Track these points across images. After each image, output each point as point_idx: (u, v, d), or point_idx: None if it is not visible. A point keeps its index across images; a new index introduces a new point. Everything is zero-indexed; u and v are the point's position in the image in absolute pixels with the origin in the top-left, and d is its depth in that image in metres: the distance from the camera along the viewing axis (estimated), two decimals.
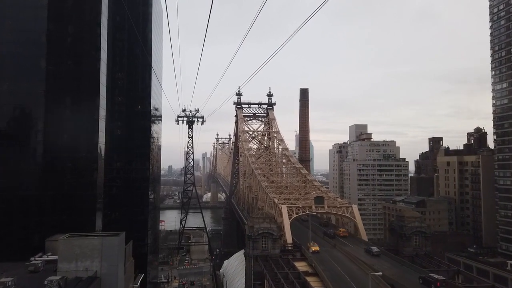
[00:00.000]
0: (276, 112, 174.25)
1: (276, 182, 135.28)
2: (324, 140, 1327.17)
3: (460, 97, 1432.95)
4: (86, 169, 77.31)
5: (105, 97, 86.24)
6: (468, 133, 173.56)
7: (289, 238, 78.91)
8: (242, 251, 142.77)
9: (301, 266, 65.80)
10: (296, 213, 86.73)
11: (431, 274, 56.93)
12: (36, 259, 57.14)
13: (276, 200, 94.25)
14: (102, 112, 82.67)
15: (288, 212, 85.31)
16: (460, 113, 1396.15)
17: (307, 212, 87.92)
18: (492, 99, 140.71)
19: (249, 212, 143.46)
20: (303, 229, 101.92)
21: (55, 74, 76.71)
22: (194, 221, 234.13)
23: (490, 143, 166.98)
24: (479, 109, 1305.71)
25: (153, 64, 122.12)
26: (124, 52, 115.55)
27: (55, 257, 53.57)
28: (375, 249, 71.34)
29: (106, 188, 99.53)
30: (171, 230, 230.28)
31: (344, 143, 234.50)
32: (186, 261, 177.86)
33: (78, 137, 77.59)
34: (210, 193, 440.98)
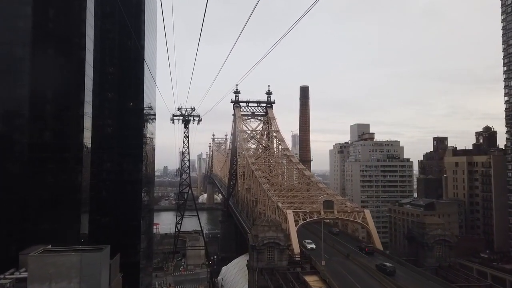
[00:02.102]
0: (274, 112, 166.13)
1: (277, 183, 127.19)
2: (321, 141, 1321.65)
3: (457, 97, 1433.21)
4: (70, 171, 68.88)
5: (92, 91, 78.19)
6: (476, 132, 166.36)
7: (296, 247, 70.82)
8: (242, 257, 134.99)
9: (312, 281, 57.83)
10: (303, 219, 78.45)
11: (364, 244, 78.13)
12: (6, 276, 48.81)
13: (280, 204, 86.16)
14: (88, 108, 74.46)
15: (294, 218, 77.20)
16: (457, 113, 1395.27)
17: (316, 218, 79.77)
18: (505, 96, 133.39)
19: (248, 215, 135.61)
20: (308, 235, 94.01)
21: (34, 64, 68.19)
22: (190, 223, 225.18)
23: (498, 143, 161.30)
24: (477, 109, 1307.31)
25: (146, 58, 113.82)
26: (114, 45, 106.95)
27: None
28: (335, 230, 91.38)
29: (94, 192, 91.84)
30: (166, 234, 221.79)
31: (345, 143, 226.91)
32: (182, 266, 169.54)
33: (61, 135, 69.20)
34: (206, 194, 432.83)
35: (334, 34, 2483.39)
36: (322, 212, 79.69)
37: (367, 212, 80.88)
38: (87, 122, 74.54)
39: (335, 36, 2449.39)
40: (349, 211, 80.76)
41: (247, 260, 68.03)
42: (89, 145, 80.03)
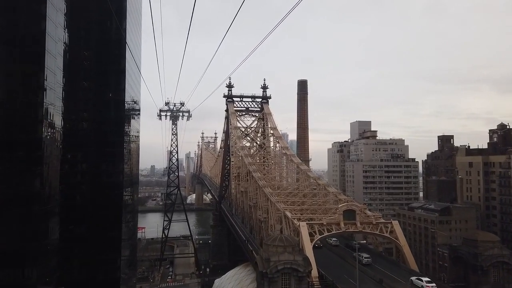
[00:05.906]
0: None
1: (278, 187, 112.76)
2: (312, 140, 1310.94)
3: (443, 97, 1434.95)
4: (23, 174, 53.47)
5: (63, 78, 63.13)
6: (490, 130, 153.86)
7: (314, 270, 56.38)
8: (237, 269, 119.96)
9: None
10: (320, 233, 63.85)
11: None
12: None
13: (289, 214, 71.64)
14: (52, 95, 59.07)
15: (308, 231, 62.80)
16: (443, 113, 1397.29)
17: (335, 232, 65.21)
18: None
19: (244, 221, 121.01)
20: (324, 251, 79.88)
21: None
22: (178, 226, 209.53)
23: None
24: (463, 109, 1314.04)
25: (129, 43, 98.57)
26: (91, 25, 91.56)
27: None
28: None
29: (66, 198, 77.04)
30: (152, 238, 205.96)
31: (345, 141, 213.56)
32: (170, 276, 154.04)
33: (11, 128, 53.64)
34: (194, 194, 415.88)
35: (327, 35, 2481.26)
36: (342, 225, 65.28)
37: (395, 223, 66.79)
38: (52, 112, 59.35)
39: (327, 38, 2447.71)
40: (374, 223, 66.43)
41: None
42: (55, 142, 65.02)
